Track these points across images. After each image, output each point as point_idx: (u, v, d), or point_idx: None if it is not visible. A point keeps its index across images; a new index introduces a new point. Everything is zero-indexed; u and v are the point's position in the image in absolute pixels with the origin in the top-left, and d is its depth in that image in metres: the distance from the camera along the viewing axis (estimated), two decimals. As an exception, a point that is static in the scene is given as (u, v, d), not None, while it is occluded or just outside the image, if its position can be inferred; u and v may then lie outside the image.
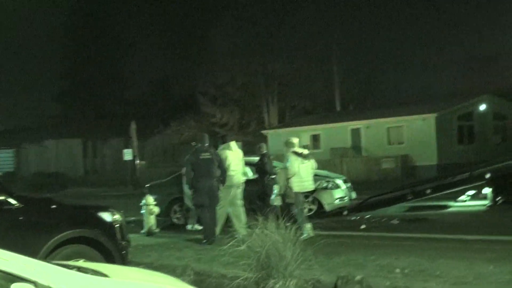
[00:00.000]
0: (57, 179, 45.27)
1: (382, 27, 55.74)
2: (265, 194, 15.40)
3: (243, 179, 14.67)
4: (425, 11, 57.27)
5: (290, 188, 13.53)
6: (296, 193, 13.55)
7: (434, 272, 8.69)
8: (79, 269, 3.97)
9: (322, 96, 51.60)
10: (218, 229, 13.74)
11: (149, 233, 15.47)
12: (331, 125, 41.72)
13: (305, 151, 14.07)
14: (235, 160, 14.24)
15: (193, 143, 14.54)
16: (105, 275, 3.96)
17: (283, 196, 13.83)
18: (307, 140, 41.22)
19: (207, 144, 13.75)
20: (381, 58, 55.74)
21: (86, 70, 70.28)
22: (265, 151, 16.38)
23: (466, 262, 9.33)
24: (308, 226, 13.14)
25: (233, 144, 14.71)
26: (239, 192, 14.37)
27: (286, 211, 12.71)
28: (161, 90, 73.77)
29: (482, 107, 38.72)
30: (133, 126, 41.18)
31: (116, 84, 73.36)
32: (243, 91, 50.32)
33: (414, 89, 55.84)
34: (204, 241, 13.14)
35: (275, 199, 14.05)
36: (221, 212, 13.92)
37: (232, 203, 14.11)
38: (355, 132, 39.65)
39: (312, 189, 14.56)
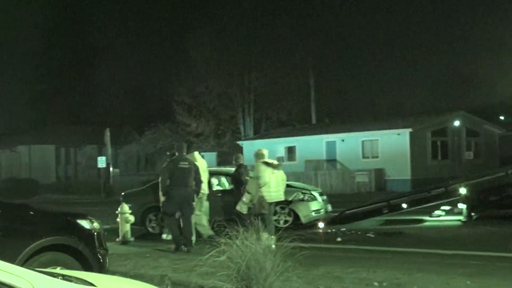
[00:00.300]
0: (29, 185, 44.75)
1: (358, 43, 56.13)
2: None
3: (206, 189, 14.79)
4: (401, 29, 57.88)
5: (264, 199, 13.62)
6: (268, 203, 13.77)
7: (412, 286, 8.71)
8: (64, 277, 3.89)
9: (297, 108, 51.74)
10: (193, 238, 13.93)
11: (124, 242, 15.33)
12: (306, 137, 41.82)
13: (275, 162, 14.34)
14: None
15: (168, 153, 14.56)
16: (91, 284, 3.88)
17: (258, 205, 13.79)
18: (282, 152, 41.30)
19: (185, 154, 13.81)
20: (357, 73, 56.15)
21: (60, 77, 69.82)
22: (241, 162, 16.48)
23: (443, 277, 9.37)
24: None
25: (196, 154, 14.96)
26: (203, 202, 14.64)
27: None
28: (136, 98, 73.31)
29: (456, 123, 39.09)
30: (107, 134, 40.88)
31: (91, 91, 72.83)
32: (219, 102, 50.26)
33: (389, 104, 56.31)
34: (175, 249, 13.34)
35: (242, 207, 14.04)
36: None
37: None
38: (330, 145, 39.77)
39: (282, 199, 14.68)
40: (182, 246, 13.28)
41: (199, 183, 13.62)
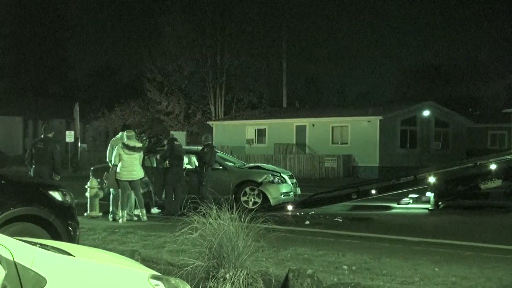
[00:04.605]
0: (-6, 157, 44.15)
1: (331, 32, 56.31)
2: (200, 183, 16.27)
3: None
4: (373, 20, 58.15)
5: (115, 176, 15.01)
6: (119, 181, 15.10)
7: (381, 270, 8.77)
8: (41, 246, 3.84)
9: (269, 91, 51.67)
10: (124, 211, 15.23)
11: (92, 216, 15.30)
12: (277, 120, 41.86)
13: (138, 144, 15.31)
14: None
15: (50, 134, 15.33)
16: (68, 254, 3.84)
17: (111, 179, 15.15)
18: (252, 134, 41.32)
19: (43, 135, 15.06)
20: (328, 61, 56.45)
21: (29, 48, 68.72)
22: (209, 142, 16.79)
23: (410, 263, 9.47)
24: (124, 213, 14.93)
25: (122, 134, 15.77)
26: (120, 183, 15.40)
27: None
28: (106, 73, 72.68)
29: (426, 113, 39.42)
30: (76, 108, 40.40)
31: (60, 65, 71.91)
32: (190, 81, 49.90)
33: (358, 93, 56.80)
34: None
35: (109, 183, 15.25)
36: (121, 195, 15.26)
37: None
38: (300, 129, 39.88)
39: (134, 179, 15.32)
40: None
41: (55, 163, 14.76)
